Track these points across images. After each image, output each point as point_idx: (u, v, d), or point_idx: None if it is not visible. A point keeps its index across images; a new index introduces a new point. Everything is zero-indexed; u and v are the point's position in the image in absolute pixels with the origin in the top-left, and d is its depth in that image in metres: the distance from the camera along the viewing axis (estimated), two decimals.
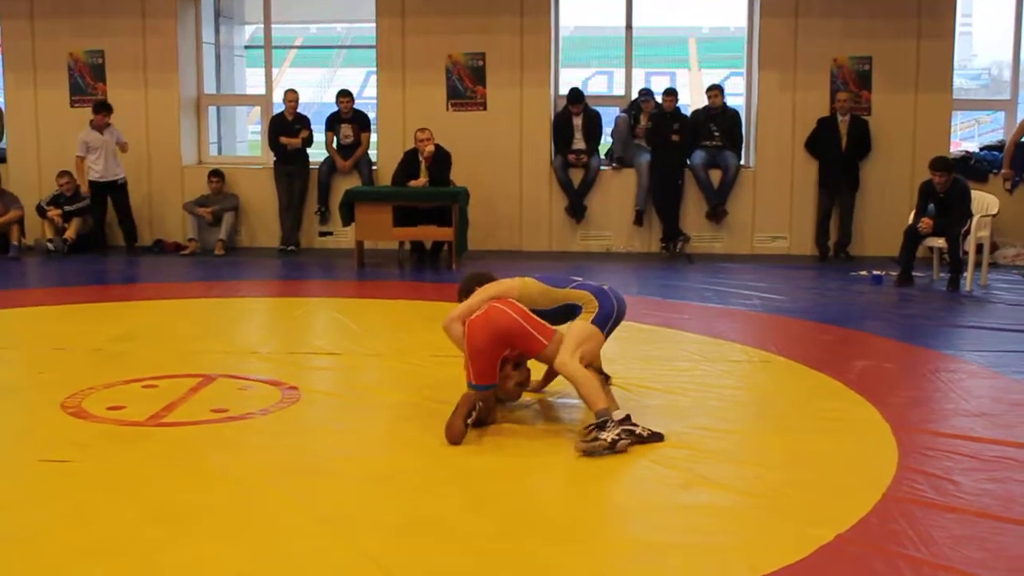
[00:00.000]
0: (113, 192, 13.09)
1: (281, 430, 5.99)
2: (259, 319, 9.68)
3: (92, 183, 12.96)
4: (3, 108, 14.26)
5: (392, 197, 12.21)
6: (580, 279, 6.34)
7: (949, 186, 10.89)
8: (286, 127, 13.48)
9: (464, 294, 6.29)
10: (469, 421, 5.71)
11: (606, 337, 6.08)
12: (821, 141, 12.94)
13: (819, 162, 13.04)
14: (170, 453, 5.56)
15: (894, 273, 11.13)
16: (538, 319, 5.95)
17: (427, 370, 7.29)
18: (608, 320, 6.02)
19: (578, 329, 5.95)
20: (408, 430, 5.96)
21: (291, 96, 13.61)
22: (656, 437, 5.68)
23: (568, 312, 6.12)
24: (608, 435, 5.48)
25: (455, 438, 5.64)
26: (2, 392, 6.79)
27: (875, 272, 11.30)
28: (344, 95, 13.69)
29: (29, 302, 10.23)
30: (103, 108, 12.95)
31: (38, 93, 13.94)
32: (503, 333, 5.84)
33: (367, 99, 15.10)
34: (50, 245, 13.16)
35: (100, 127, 12.88)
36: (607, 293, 6.15)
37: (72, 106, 13.89)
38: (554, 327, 6.01)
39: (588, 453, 5.44)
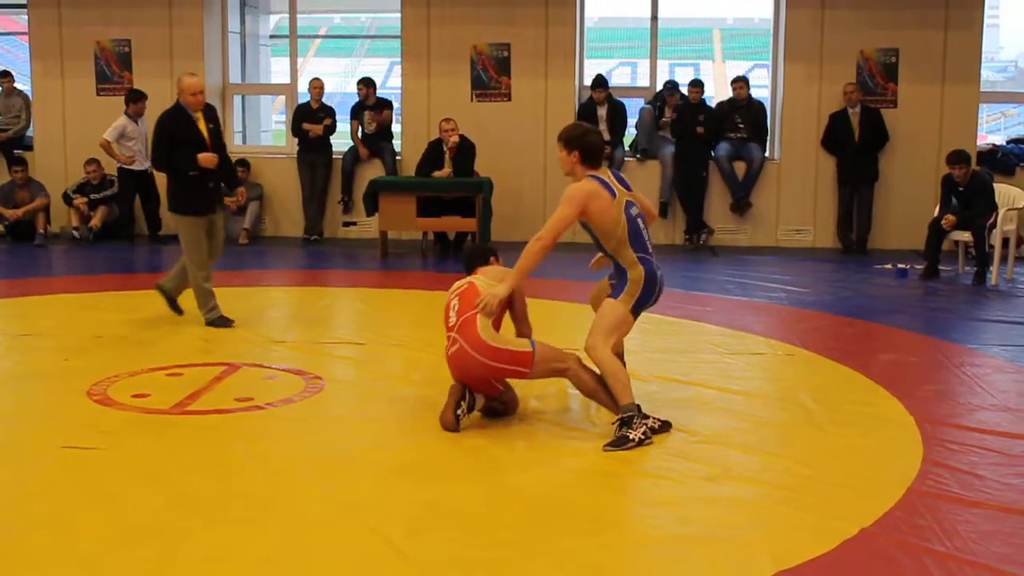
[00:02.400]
0: (141, 182, 13.14)
1: (305, 419, 6.01)
2: (283, 308, 9.70)
3: (125, 171, 13.02)
4: (30, 96, 14.32)
5: (416, 187, 12.22)
6: (649, 245, 5.96)
7: (970, 179, 10.84)
8: (311, 115, 13.51)
9: (468, 270, 6.22)
10: (459, 412, 5.69)
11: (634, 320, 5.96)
12: (835, 136, 12.88)
13: (836, 156, 12.98)
14: (194, 441, 5.59)
15: (919, 266, 11.08)
16: (509, 350, 5.67)
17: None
18: (642, 308, 5.91)
19: (612, 315, 5.80)
20: (431, 420, 5.96)
21: (316, 84, 13.63)
22: (665, 427, 5.67)
23: (617, 270, 5.92)
24: (636, 434, 5.48)
25: (448, 428, 5.66)
26: (29, 379, 6.84)
27: (900, 265, 11.25)
28: (365, 84, 13.71)
29: (55, 290, 10.29)
30: (139, 97, 13.00)
31: (65, 82, 14.01)
32: (475, 376, 5.71)
33: (391, 89, 15.11)
34: (76, 233, 13.23)
35: (135, 116, 12.95)
36: (654, 279, 5.86)
37: (98, 95, 13.95)
38: (528, 347, 5.72)
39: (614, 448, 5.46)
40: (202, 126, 8.20)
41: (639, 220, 5.96)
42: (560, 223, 5.81)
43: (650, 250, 5.93)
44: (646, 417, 5.61)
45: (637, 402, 5.64)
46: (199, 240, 8.21)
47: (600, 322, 5.81)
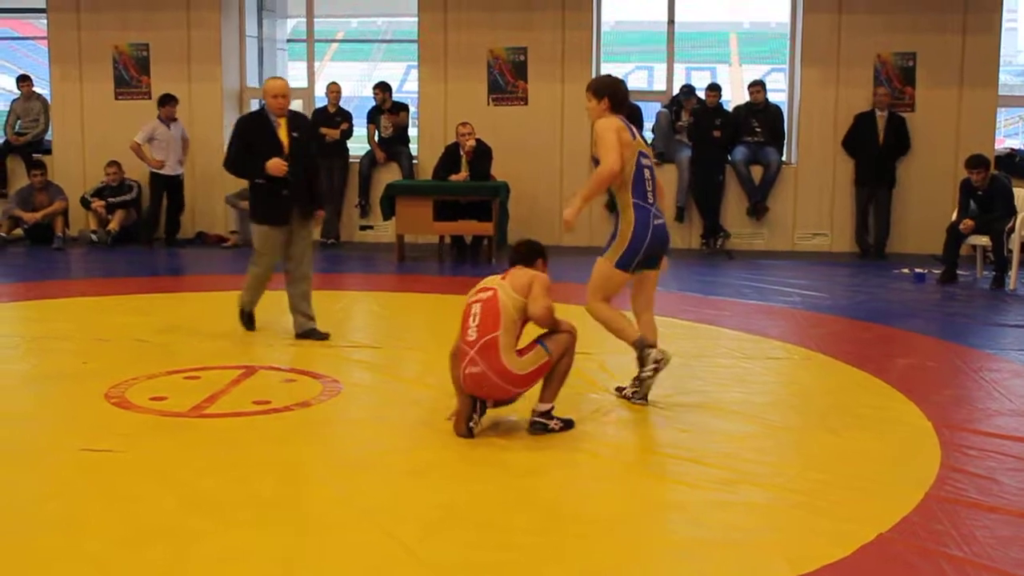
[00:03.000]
0: (170, 187, 13.22)
1: (322, 422, 6.02)
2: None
3: (155, 174, 13.10)
4: (49, 100, 14.39)
5: (433, 191, 12.23)
6: (650, 196, 6.34)
7: (988, 183, 10.81)
8: (328, 119, 13.54)
9: (513, 262, 6.09)
10: (472, 424, 5.68)
11: (634, 269, 6.34)
12: (859, 137, 12.85)
13: (856, 159, 12.95)
14: (212, 444, 5.60)
15: (937, 271, 11.05)
16: (532, 371, 5.68)
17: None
18: (633, 261, 6.31)
19: (598, 273, 6.36)
20: (446, 424, 5.96)
21: (333, 89, 13.66)
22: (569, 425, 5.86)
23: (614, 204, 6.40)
24: (647, 371, 6.26)
25: (461, 437, 5.65)
26: (47, 381, 6.86)
27: (918, 270, 11.21)
28: (381, 88, 13.74)
29: (73, 293, 10.34)
30: (169, 100, 13.09)
31: (83, 86, 14.08)
32: (494, 396, 5.71)
33: (408, 93, 15.15)
34: (94, 236, 13.29)
35: (167, 120, 13.04)
36: (646, 229, 6.29)
37: (117, 99, 14.02)
38: (545, 355, 5.75)
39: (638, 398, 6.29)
40: (283, 133, 7.72)
41: (647, 171, 6.38)
42: (614, 149, 6.19)
43: (650, 200, 6.34)
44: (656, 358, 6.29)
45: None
46: (269, 251, 7.89)
47: (590, 282, 6.40)
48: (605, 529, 4.53)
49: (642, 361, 6.28)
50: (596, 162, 6.49)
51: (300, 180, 7.78)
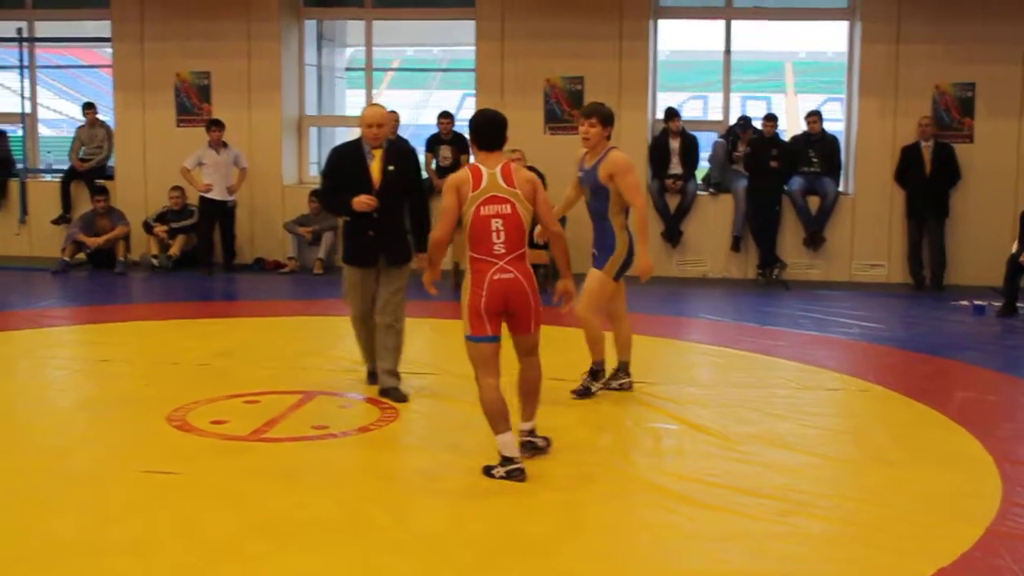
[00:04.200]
0: (222, 213, 13.37)
1: (380, 447, 6.08)
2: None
3: (204, 199, 13.27)
4: (112, 127, 14.63)
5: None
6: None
7: None
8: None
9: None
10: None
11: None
12: (908, 169, 12.77)
13: (905, 190, 12.87)
14: (272, 468, 5.67)
15: (997, 303, 10.93)
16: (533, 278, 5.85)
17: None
18: (625, 271, 7.24)
19: (599, 284, 7.12)
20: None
21: (391, 117, 13.75)
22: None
23: (601, 240, 7.28)
24: (596, 387, 7.19)
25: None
26: (110, 405, 6.97)
27: (977, 302, 11.10)
28: (445, 117, 13.83)
29: (134, 317, 10.48)
30: (214, 125, 13.27)
31: (146, 113, 14.29)
32: (518, 303, 5.77)
33: (463, 120, 15.22)
34: (155, 261, 13.46)
35: (215, 144, 13.21)
36: (632, 247, 7.21)
37: (178, 126, 14.21)
38: None
39: (579, 395, 7.13)
40: (376, 166, 7.05)
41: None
42: (641, 188, 7.20)
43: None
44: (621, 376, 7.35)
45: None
46: (354, 293, 7.25)
47: (587, 293, 7.06)
48: (661, 559, 4.54)
49: (594, 376, 7.25)
50: (598, 187, 7.16)
51: (391, 219, 7.15)
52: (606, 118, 7.00)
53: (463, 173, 5.76)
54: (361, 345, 7.45)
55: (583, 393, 7.19)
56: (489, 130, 5.81)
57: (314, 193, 7.71)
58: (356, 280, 7.22)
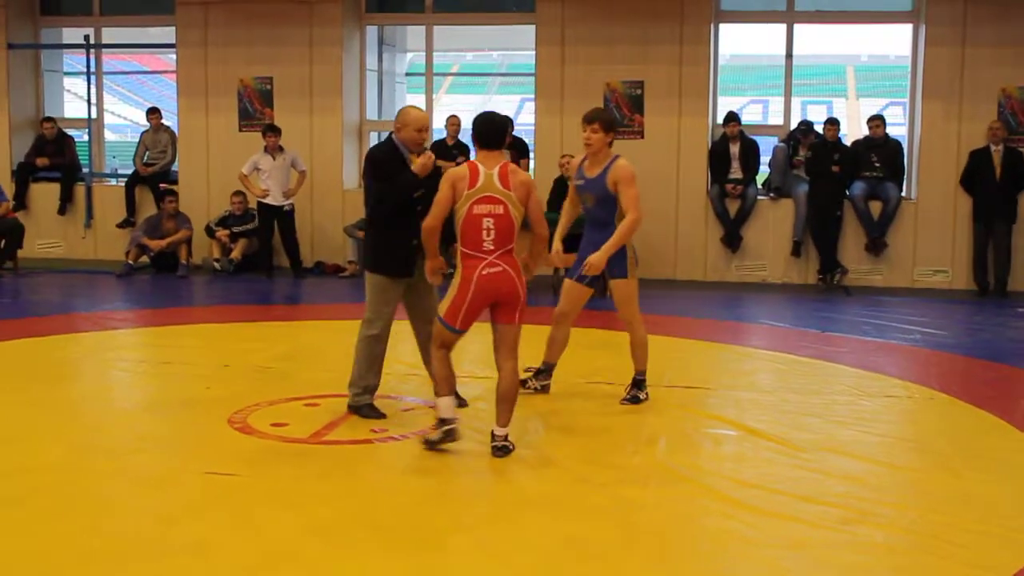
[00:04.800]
0: (279, 217, 13.46)
1: (438, 452, 6.08)
2: (415, 341, 9.81)
3: (262, 204, 13.38)
4: (176, 132, 14.81)
5: (547, 223, 12.26)
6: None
7: None
8: (445, 152, 13.70)
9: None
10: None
11: None
12: (975, 173, 12.61)
13: (973, 195, 12.71)
14: (332, 470, 5.70)
15: None
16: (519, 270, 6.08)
17: (580, 396, 7.33)
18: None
19: (633, 292, 7.26)
20: (561, 455, 6.01)
21: (453, 121, 13.83)
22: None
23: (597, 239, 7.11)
24: (643, 395, 7.18)
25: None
26: (173, 406, 7.05)
27: None
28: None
29: (196, 320, 10.60)
30: (269, 130, 13.38)
31: (209, 118, 14.46)
32: (506, 296, 6.08)
33: (522, 125, 15.24)
34: (216, 265, 13.61)
35: (271, 150, 13.31)
36: None
37: (240, 131, 14.36)
38: None
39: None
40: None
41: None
42: (638, 200, 7.03)
43: None
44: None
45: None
46: (388, 308, 6.79)
47: (629, 302, 7.22)
48: (721, 566, 4.52)
49: (637, 386, 7.25)
50: (606, 195, 7.05)
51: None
52: (608, 124, 6.99)
53: (462, 170, 5.98)
54: (374, 365, 6.83)
55: (632, 400, 7.21)
56: (488, 130, 6.05)
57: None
58: (389, 291, 6.75)
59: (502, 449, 5.94)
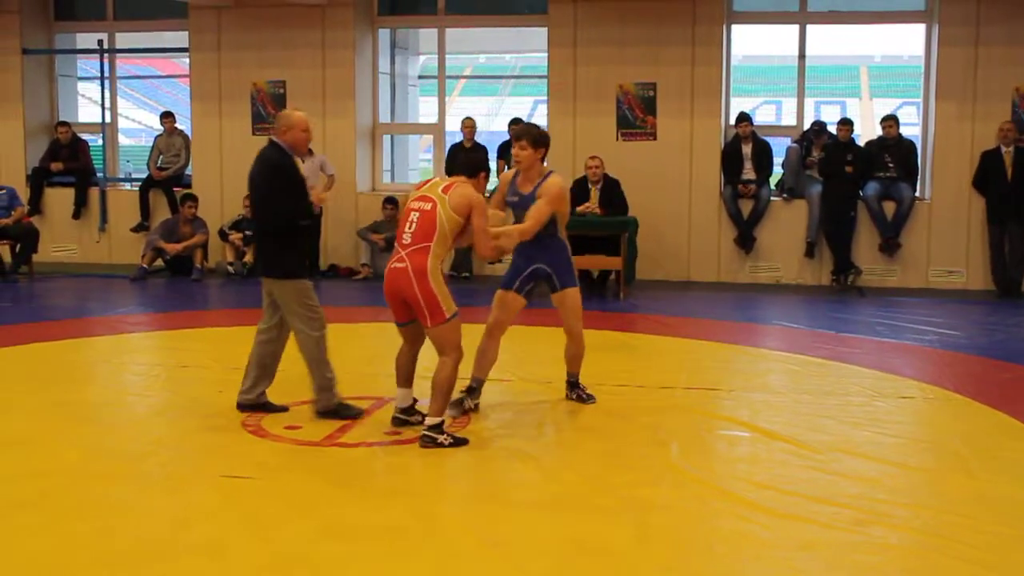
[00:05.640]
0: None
1: (451, 453, 6.09)
2: (429, 344, 9.81)
3: None
4: (189, 136, 14.85)
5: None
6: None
7: None
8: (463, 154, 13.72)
9: (469, 173, 6.44)
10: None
11: None
12: (987, 175, 12.56)
13: (986, 196, 12.66)
14: (345, 473, 5.71)
15: None
16: (436, 298, 6.19)
17: (596, 398, 7.32)
18: None
19: (579, 301, 7.04)
20: (577, 457, 6.02)
21: (468, 124, 13.85)
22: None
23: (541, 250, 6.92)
24: (583, 393, 7.23)
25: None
26: (187, 410, 7.06)
27: None
28: (516, 123, 13.85)
29: (210, 323, 10.63)
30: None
31: (222, 122, 14.49)
32: (402, 296, 6.26)
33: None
34: (230, 268, 13.64)
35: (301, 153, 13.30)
36: None
37: (254, 134, 14.38)
38: (451, 312, 6.27)
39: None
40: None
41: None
42: (547, 216, 6.76)
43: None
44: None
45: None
46: (317, 303, 6.89)
47: (575, 313, 7.03)
48: (735, 567, 4.51)
49: (575, 386, 7.29)
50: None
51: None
52: (536, 140, 6.86)
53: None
54: (327, 366, 6.88)
55: (587, 399, 7.24)
56: (453, 163, 6.43)
57: (253, 206, 7.07)
58: (312, 291, 6.85)
59: (424, 439, 6.05)
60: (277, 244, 6.73)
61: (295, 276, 6.73)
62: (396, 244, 6.25)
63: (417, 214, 6.20)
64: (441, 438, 6.07)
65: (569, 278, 6.99)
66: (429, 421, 6.12)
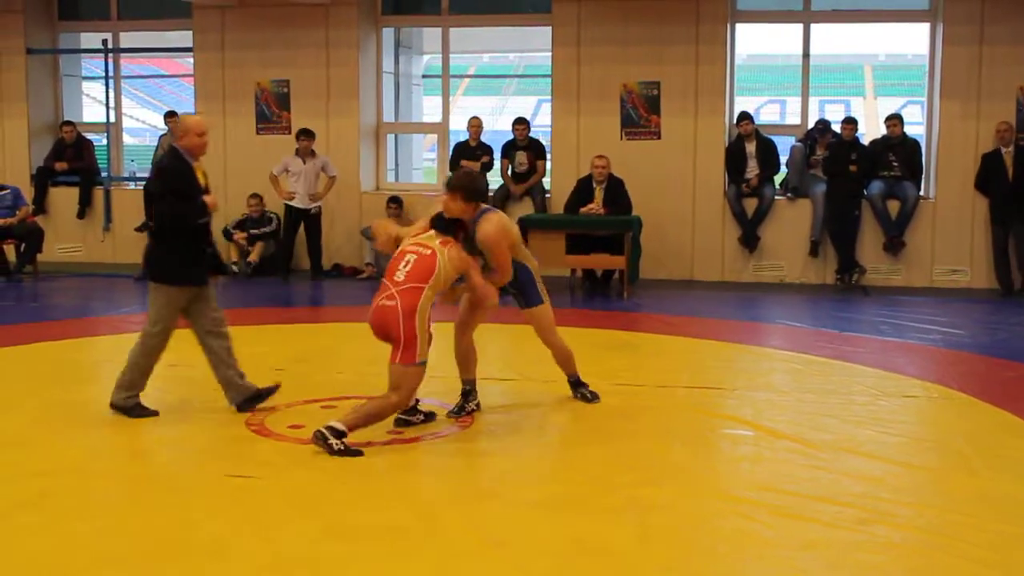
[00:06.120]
0: (306, 220, 13.50)
1: (454, 453, 6.10)
2: (434, 344, 9.81)
3: (288, 207, 13.43)
4: None
5: (565, 225, 12.30)
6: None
7: None
8: (468, 153, 13.73)
9: (448, 231, 6.41)
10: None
11: None
12: (990, 176, 12.54)
13: (989, 197, 12.64)
14: (347, 472, 5.71)
15: None
16: (415, 339, 6.17)
17: (600, 395, 7.32)
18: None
19: (550, 315, 7.06)
20: (579, 456, 6.01)
21: (475, 123, 13.85)
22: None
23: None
24: (588, 392, 7.19)
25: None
26: (190, 410, 7.06)
27: None
28: (520, 123, 13.87)
29: None
30: (303, 134, 13.42)
31: (226, 121, 14.49)
32: (386, 329, 6.24)
33: (539, 127, 15.26)
34: (234, 268, 13.64)
35: (302, 153, 13.35)
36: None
37: (258, 134, 14.40)
38: (421, 358, 6.24)
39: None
40: (201, 178, 6.84)
41: None
42: (507, 269, 6.70)
43: None
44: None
45: None
46: (172, 317, 6.86)
47: (548, 325, 7.07)
48: (737, 567, 4.51)
49: (577, 384, 7.27)
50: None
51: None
52: (471, 194, 6.45)
53: (420, 223, 6.62)
54: (149, 372, 6.92)
55: (591, 397, 7.22)
56: (436, 224, 6.43)
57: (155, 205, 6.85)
58: (177, 301, 6.81)
59: (318, 435, 5.92)
60: (163, 247, 6.79)
61: (169, 282, 6.77)
62: (386, 280, 6.23)
63: (414, 256, 6.23)
64: (334, 442, 5.90)
65: (535, 297, 6.98)
66: (336, 425, 5.95)
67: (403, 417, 6.52)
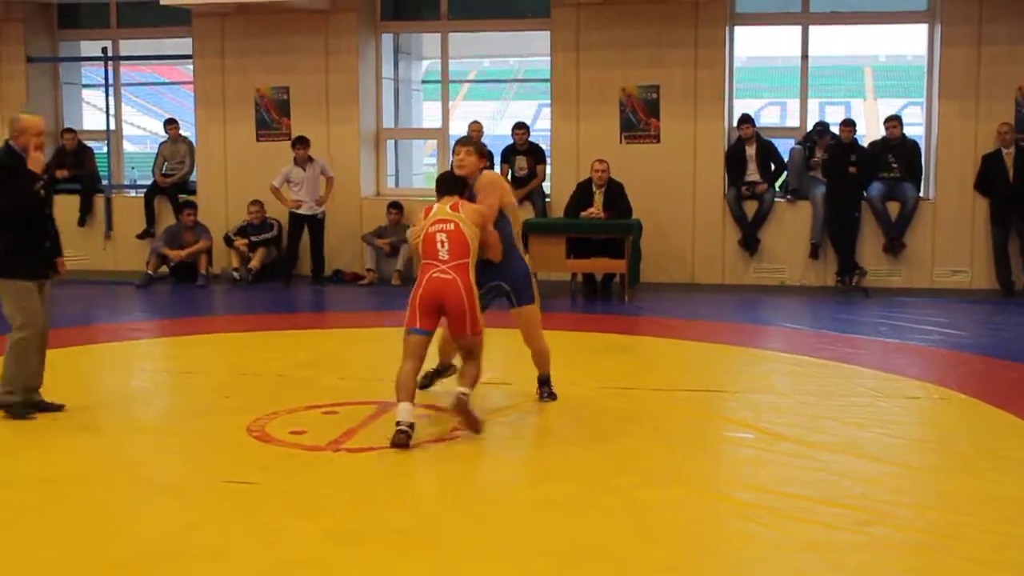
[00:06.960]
0: (311, 225, 13.52)
1: (455, 457, 6.12)
2: (433, 349, 9.82)
3: (293, 214, 13.44)
4: (194, 142, 14.87)
5: (566, 229, 12.31)
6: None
7: None
8: None
9: (458, 191, 6.79)
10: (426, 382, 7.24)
11: None
12: (990, 177, 12.54)
13: (990, 198, 12.64)
14: (349, 478, 5.73)
15: None
16: (476, 310, 6.51)
17: (596, 401, 7.34)
18: None
19: (537, 317, 7.23)
20: (577, 459, 6.02)
21: (475, 128, 13.84)
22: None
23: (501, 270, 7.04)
24: (551, 390, 7.34)
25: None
26: (192, 415, 7.09)
27: None
28: (520, 127, 13.87)
29: (215, 329, 10.64)
30: (299, 142, 13.43)
31: (227, 128, 14.50)
32: (452, 304, 6.45)
33: (539, 131, 15.28)
34: (236, 274, 13.65)
35: (301, 161, 13.36)
36: None
37: (258, 140, 14.40)
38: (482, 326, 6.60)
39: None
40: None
41: None
42: (495, 209, 6.87)
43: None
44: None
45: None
46: (35, 307, 6.88)
47: (534, 327, 7.22)
48: (737, 568, 4.52)
49: (545, 383, 7.41)
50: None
51: (54, 228, 7.10)
52: (481, 150, 7.12)
53: (420, 213, 6.80)
54: (29, 369, 6.92)
55: (547, 397, 7.38)
56: (442, 185, 6.90)
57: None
58: (31, 293, 6.85)
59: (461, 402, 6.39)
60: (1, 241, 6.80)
61: (8, 275, 6.79)
62: (431, 260, 6.44)
63: (444, 235, 6.48)
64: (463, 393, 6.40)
65: (527, 296, 7.14)
66: (465, 389, 6.42)
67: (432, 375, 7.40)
